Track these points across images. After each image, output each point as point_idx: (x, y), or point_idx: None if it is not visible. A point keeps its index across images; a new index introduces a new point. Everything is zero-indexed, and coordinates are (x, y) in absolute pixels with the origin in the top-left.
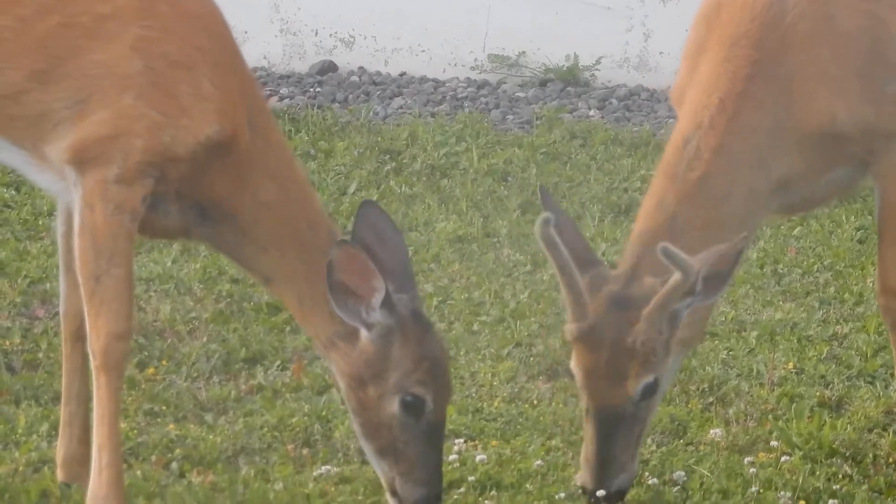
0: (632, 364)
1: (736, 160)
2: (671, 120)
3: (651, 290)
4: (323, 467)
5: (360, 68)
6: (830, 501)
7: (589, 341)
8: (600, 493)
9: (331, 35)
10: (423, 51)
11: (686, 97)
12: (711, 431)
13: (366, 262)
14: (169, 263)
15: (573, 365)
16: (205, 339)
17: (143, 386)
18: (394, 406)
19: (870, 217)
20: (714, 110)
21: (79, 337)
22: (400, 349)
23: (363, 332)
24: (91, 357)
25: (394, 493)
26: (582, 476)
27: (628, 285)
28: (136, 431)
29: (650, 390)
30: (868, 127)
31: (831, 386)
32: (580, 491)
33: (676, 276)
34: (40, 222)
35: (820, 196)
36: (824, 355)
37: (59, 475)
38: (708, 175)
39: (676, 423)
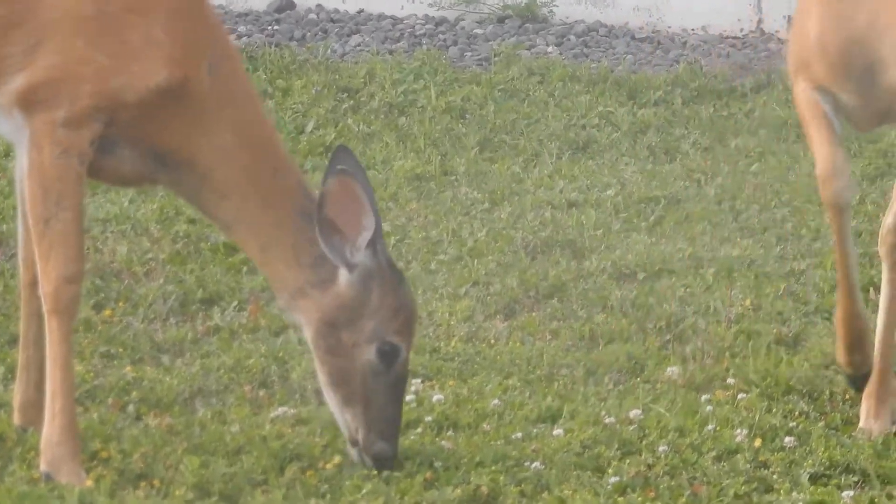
0: None
1: None
2: (629, 56)
3: None
4: (280, 408)
5: (318, 6)
6: (787, 438)
7: None
8: None
9: None
10: None
11: None
12: (668, 369)
13: (360, 196)
14: (125, 204)
15: None
16: (161, 281)
17: (100, 328)
18: (370, 353)
19: None
20: None
21: (37, 282)
22: (379, 296)
23: (343, 273)
24: (42, 301)
25: (355, 443)
26: None
27: None
28: (92, 374)
29: None
30: None
31: (788, 322)
32: None
33: None
34: None
35: None
36: (781, 292)
37: (16, 419)
38: None
39: (633, 361)
